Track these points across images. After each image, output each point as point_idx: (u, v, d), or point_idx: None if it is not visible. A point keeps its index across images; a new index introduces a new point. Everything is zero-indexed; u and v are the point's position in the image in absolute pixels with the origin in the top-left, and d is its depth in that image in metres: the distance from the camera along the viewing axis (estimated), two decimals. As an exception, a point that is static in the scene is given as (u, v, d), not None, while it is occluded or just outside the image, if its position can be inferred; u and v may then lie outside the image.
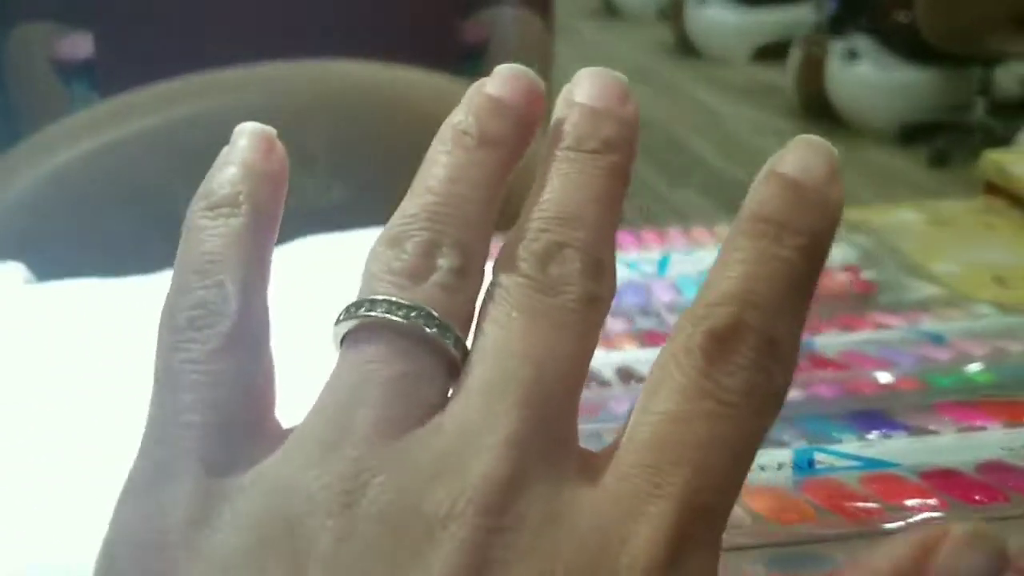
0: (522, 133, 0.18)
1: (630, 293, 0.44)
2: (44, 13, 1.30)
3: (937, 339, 0.34)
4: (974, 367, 0.31)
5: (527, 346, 0.16)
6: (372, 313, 0.16)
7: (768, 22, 3.64)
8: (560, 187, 0.17)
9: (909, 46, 2.76)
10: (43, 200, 0.63)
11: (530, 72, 0.19)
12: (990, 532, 0.15)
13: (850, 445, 0.25)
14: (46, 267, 0.49)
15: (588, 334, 0.17)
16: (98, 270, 0.48)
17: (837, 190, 0.16)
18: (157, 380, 0.17)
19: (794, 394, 0.31)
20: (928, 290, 0.44)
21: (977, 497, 0.23)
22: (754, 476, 0.24)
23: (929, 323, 0.38)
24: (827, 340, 0.36)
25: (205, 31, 1.19)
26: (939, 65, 2.78)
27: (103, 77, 1.25)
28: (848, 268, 0.45)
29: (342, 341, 0.17)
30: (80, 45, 1.28)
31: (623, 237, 0.49)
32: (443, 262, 0.17)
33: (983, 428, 0.26)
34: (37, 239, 0.59)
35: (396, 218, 0.18)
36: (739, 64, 3.63)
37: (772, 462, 0.24)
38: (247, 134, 0.19)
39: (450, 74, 0.76)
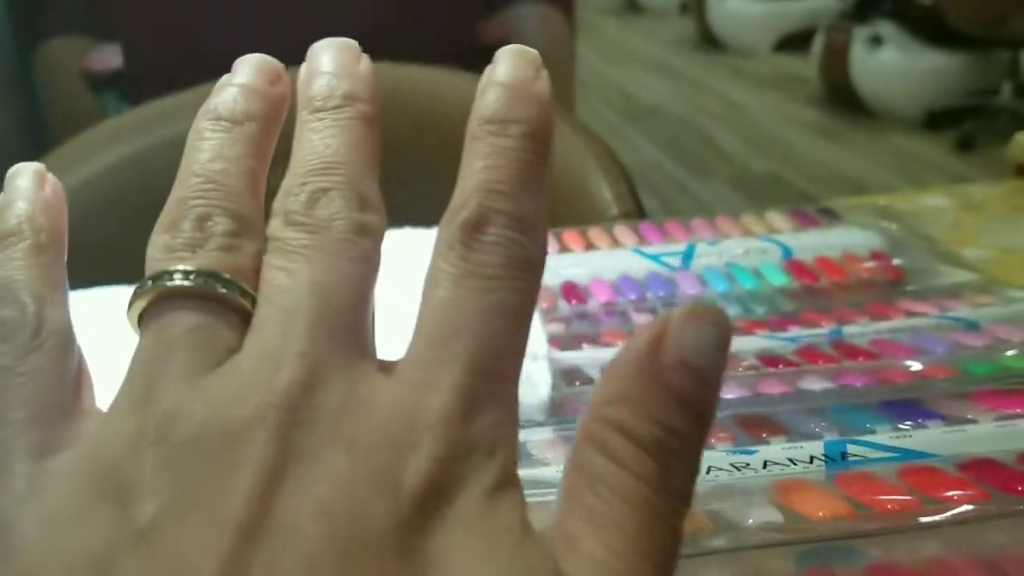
0: (272, 109, 0.20)
1: (656, 286, 0.43)
2: (75, 26, 1.32)
3: (971, 326, 0.34)
4: (1010, 353, 0.31)
5: (308, 276, 0.17)
6: (159, 284, 0.18)
7: (791, 11, 3.61)
8: (315, 142, 0.19)
9: (933, 30, 2.73)
10: (70, 211, 0.64)
11: (269, 58, 0.21)
12: (709, 305, 0.16)
13: (884, 436, 0.25)
14: (74, 277, 0.49)
15: (366, 258, 0.18)
16: (125, 280, 0.48)
17: (541, 84, 0.19)
18: None
19: (824, 384, 0.30)
20: (959, 276, 0.44)
21: (1020, 488, 0.22)
22: (785, 470, 0.23)
23: (962, 310, 0.37)
24: (856, 329, 0.35)
25: (231, 38, 1.19)
26: (964, 49, 2.74)
27: (132, 87, 1.26)
28: (876, 255, 0.45)
29: (139, 325, 0.18)
30: (110, 57, 1.30)
31: (648, 231, 0.49)
32: (217, 228, 0.18)
33: (1023, 416, 0.26)
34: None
35: (166, 206, 0.19)
36: (763, 55, 3.60)
37: (803, 455, 0.24)
38: (21, 173, 0.21)
39: (473, 74, 0.75)
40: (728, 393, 0.30)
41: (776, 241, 0.47)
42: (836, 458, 0.23)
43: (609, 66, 3.68)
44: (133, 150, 0.72)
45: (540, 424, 0.29)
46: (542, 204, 0.18)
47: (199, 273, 0.18)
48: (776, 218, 0.49)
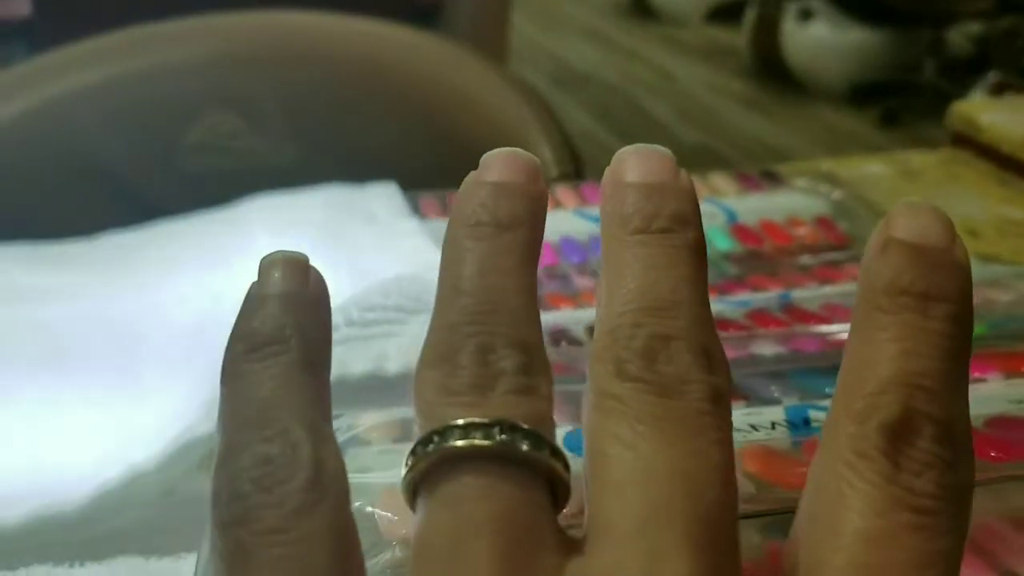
0: (536, 210, 0.17)
1: (598, 248, 0.42)
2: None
3: (920, 290, 0.33)
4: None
5: (671, 465, 0.14)
6: (448, 443, 0.14)
7: (722, -18, 3.62)
8: (642, 272, 0.15)
9: (861, 5, 2.77)
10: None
11: (522, 151, 0.17)
12: None
13: None
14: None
15: (726, 437, 0.14)
16: (35, 235, 0.45)
17: (960, 250, 0.16)
18: (225, 562, 0.14)
19: (777, 349, 0.29)
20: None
21: (993, 454, 0.21)
22: (748, 436, 0.22)
23: (909, 274, 0.36)
24: (805, 293, 0.35)
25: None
26: (891, 25, 2.79)
27: (41, 36, 1.20)
28: (821, 220, 0.44)
29: (415, 493, 0.14)
30: (17, 5, 1.23)
31: (589, 193, 0.47)
32: (505, 364, 0.15)
33: (982, 380, 0.25)
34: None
35: (433, 333, 0.15)
36: (694, 25, 3.61)
37: (764, 421, 0.22)
38: (279, 264, 0.17)
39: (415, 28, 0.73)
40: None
41: (720, 204, 0.45)
42: (799, 424, 0.22)
43: (541, 32, 3.64)
44: (40, 100, 0.67)
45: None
46: (968, 413, 0.15)
47: (499, 426, 0.14)
48: (720, 180, 0.48)
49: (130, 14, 0.70)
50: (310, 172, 0.70)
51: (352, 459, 0.21)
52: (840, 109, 2.84)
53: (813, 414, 0.22)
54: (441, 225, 0.46)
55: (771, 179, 0.49)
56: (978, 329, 0.31)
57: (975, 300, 0.32)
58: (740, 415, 0.23)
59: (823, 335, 0.30)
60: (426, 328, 0.16)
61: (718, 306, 0.34)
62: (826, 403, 0.23)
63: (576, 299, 0.37)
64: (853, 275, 0.37)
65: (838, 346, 0.29)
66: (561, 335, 0.31)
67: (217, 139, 0.71)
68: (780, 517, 0.19)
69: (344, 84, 0.68)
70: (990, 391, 0.24)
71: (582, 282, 0.40)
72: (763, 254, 0.42)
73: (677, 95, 3.03)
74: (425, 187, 0.47)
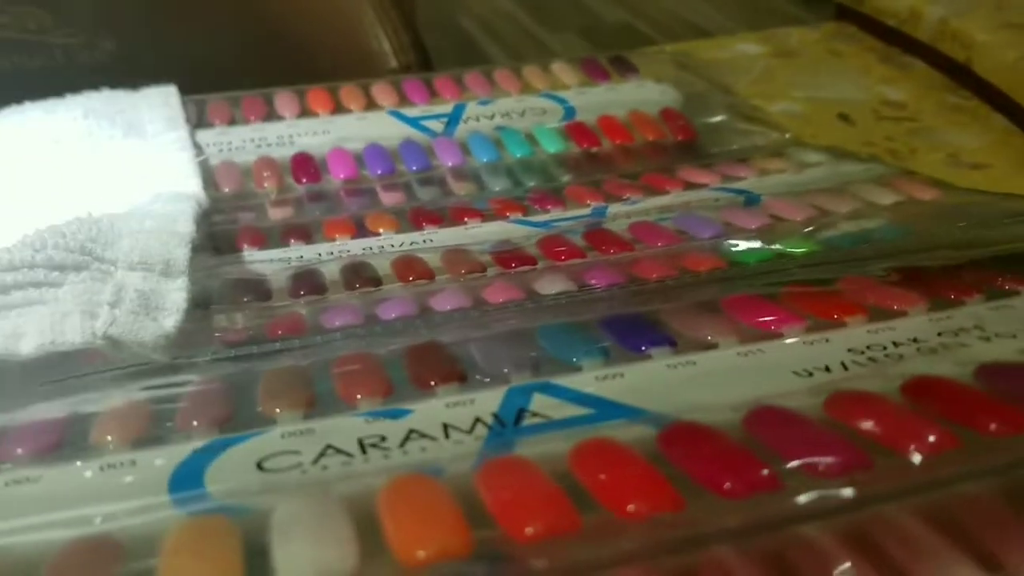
0: None
1: (409, 157, 0.36)
2: None
3: (752, 201, 0.28)
4: (791, 240, 0.24)
5: None
6: None
7: None
8: None
9: None
10: None
11: None
12: None
13: (588, 376, 0.17)
14: None
15: None
16: None
17: None
18: None
19: (563, 285, 0.24)
20: (759, 135, 0.38)
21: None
22: (428, 449, 0.16)
23: (747, 178, 0.31)
24: (623, 208, 0.29)
25: None
26: None
27: None
28: (667, 113, 0.38)
29: None
30: None
31: (411, 89, 0.41)
32: None
33: (777, 336, 0.20)
34: None
35: None
36: None
37: (464, 419, 0.16)
38: None
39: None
40: (444, 303, 0.23)
41: (558, 99, 0.40)
42: (509, 421, 0.16)
43: (454, -94, 3.45)
44: None
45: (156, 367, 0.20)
46: None
47: None
48: (563, 70, 0.42)
49: None
50: (129, 68, 0.62)
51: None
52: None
53: (536, 402, 0.16)
54: (228, 134, 0.40)
55: (620, 67, 0.43)
56: (806, 248, 0.26)
57: (806, 213, 0.27)
58: (442, 408, 0.17)
59: (622, 264, 0.24)
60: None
61: (516, 230, 0.28)
62: (563, 381, 0.17)
63: (362, 226, 0.31)
64: (685, 181, 0.32)
65: (635, 279, 0.24)
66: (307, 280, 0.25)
67: (23, 35, 0.63)
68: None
69: None
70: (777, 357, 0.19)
71: (390, 198, 0.34)
72: (600, 156, 0.37)
73: (598, -29, 2.91)
74: (249, 81, 0.42)
